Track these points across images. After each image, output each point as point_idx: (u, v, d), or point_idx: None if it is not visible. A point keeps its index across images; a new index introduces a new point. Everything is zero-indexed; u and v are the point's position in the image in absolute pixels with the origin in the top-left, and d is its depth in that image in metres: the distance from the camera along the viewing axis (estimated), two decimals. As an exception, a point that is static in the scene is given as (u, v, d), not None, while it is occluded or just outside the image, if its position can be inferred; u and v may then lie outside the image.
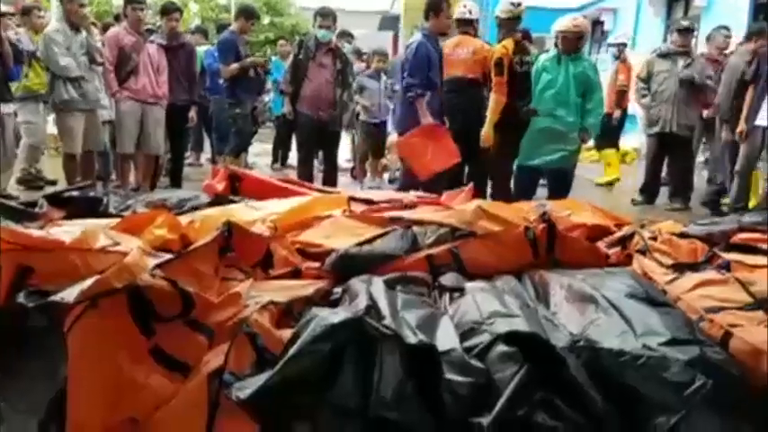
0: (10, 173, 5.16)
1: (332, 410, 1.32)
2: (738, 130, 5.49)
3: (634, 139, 9.42)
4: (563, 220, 2.49)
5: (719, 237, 2.41)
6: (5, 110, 4.87)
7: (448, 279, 1.99)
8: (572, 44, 4.55)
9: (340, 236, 2.20)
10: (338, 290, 1.85)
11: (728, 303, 1.76)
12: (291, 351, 1.35)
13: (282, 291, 1.74)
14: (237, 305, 1.58)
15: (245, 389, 1.31)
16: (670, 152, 5.99)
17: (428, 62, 4.45)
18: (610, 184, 7.14)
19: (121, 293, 1.43)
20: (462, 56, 4.91)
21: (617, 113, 7.08)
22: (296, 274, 1.99)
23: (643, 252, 2.26)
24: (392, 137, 6.09)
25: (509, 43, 4.61)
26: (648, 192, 6.18)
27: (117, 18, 6.38)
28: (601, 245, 2.41)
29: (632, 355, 1.44)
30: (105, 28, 6.03)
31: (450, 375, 1.36)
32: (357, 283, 1.75)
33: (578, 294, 1.82)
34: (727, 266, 2.07)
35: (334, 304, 1.75)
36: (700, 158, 7.04)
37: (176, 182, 5.84)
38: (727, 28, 6.73)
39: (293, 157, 6.41)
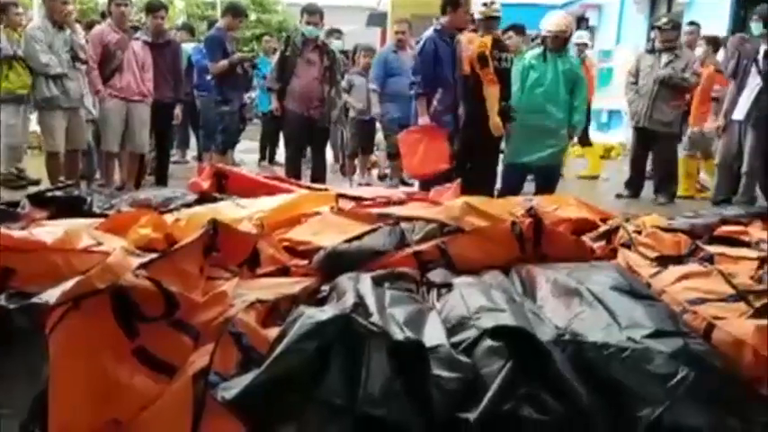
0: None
1: (319, 408, 1.31)
2: (716, 125, 5.57)
3: (620, 134, 9.49)
4: (549, 215, 2.51)
5: (702, 230, 2.44)
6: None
7: (436, 275, 1.99)
8: (560, 43, 4.57)
9: (328, 233, 2.20)
10: (326, 287, 1.85)
11: (711, 295, 1.78)
12: (278, 350, 1.34)
13: (269, 289, 1.73)
14: (223, 304, 1.57)
15: (231, 389, 1.30)
16: (653, 147, 6.04)
17: (435, 59, 4.40)
18: (592, 177, 7.22)
19: (104, 294, 1.42)
20: (468, 53, 4.81)
21: None
22: (283, 272, 1.99)
23: (628, 246, 2.29)
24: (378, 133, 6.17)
25: (487, 40, 4.62)
26: (633, 186, 6.22)
27: (103, 15, 6.31)
28: (586, 239, 2.43)
29: (617, 347, 1.46)
30: (90, 26, 5.96)
31: (437, 371, 1.36)
32: (345, 281, 1.75)
33: (564, 288, 1.83)
34: (710, 259, 2.10)
35: (322, 302, 1.75)
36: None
37: (162, 180, 5.79)
38: (694, 23, 6.79)
39: (281, 155, 6.38)
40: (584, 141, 7.36)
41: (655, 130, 5.88)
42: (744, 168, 5.34)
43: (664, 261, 2.11)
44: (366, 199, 2.75)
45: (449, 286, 1.89)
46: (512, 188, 4.65)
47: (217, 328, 1.50)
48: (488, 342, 1.46)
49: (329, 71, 5.23)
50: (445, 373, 1.36)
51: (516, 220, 2.22)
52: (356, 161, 6.97)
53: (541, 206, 2.59)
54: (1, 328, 1.55)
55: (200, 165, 4.04)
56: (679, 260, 2.11)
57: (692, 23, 6.78)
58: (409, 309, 1.60)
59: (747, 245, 2.27)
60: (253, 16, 17.42)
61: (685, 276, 1.92)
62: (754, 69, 5.23)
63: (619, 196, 6.20)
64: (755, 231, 2.42)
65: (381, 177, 6.96)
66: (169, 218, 2.24)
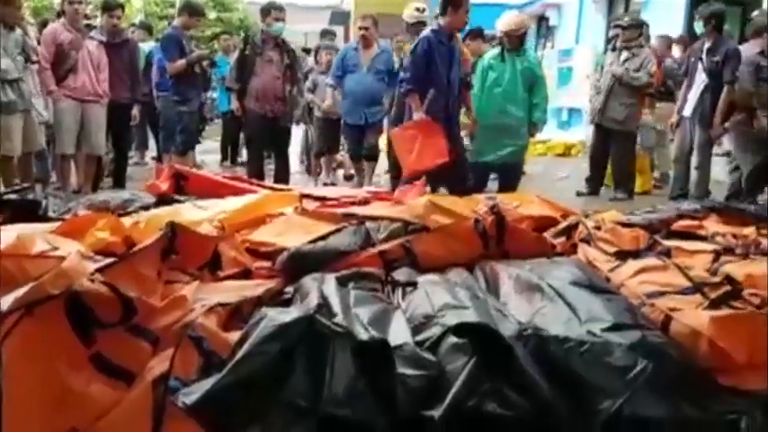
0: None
1: (283, 411, 1.30)
2: (670, 121, 5.76)
3: (580, 133, 9.69)
4: (511, 212, 2.54)
5: (660, 224, 2.50)
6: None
7: (401, 274, 1.99)
8: (516, 42, 4.64)
9: (292, 234, 2.18)
10: (290, 289, 1.83)
11: (668, 288, 1.82)
12: (239, 353, 1.32)
13: (231, 292, 1.71)
14: (183, 309, 1.54)
15: (192, 394, 1.28)
16: (611, 144, 6.18)
17: (430, 59, 4.37)
18: None
19: (58, 300, 1.37)
20: None
21: None
22: (246, 274, 1.96)
23: (587, 241, 2.32)
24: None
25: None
26: (592, 183, 6.36)
27: (60, 15, 6.14)
28: (547, 235, 2.47)
29: (577, 341, 1.48)
30: (44, 24, 5.79)
31: (402, 369, 1.36)
32: (308, 282, 1.74)
33: (526, 284, 1.85)
34: (667, 253, 2.15)
35: (286, 304, 1.73)
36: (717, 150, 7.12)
37: (120, 182, 5.68)
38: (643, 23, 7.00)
39: (245, 155, 6.32)
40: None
41: (610, 128, 6.02)
42: (694, 164, 5.52)
43: (622, 255, 2.15)
44: (330, 199, 2.73)
45: (413, 285, 1.89)
46: (475, 185, 4.70)
47: (176, 333, 1.47)
48: (452, 339, 1.46)
49: (290, 69, 5.20)
50: (410, 371, 1.36)
51: (479, 217, 2.24)
52: (322, 161, 6.94)
53: (504, 204, 2.62)
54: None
55: (158, 166, 3.96)
56: (637, 254, 2.16)
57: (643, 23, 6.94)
58: (374, 308, 1.60)
59: (703, 238, 2.34)
60: (212, 14, 17.18)
61: (643, 270, 1.96)
62: (700, 67, 5.41)
63: (579, 193, 6.33)
64: (711, 225, 2.50)
65: (347, 177, 6.95)
66: (127, 221, 2.18)
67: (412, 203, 2.46)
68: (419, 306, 1.69)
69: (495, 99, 4.67)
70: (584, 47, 10.76)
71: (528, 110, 4.69)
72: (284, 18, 5.18)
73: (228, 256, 1.95)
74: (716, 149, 5.87)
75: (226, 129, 7.74)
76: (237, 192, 2.77)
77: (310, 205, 2.54)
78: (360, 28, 5.99)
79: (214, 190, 2.78)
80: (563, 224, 2.55)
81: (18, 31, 4.83)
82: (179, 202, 2.62)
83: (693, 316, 1.64)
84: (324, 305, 1.48)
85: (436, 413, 1.29)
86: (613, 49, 6.26)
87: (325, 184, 6.32)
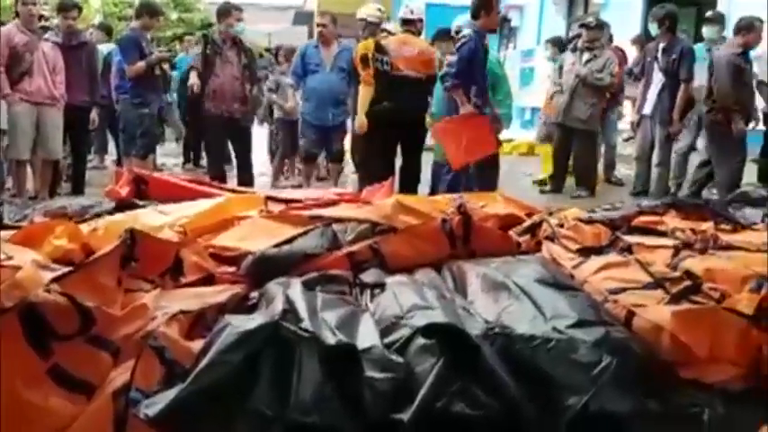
0: None
1: (249, 420, 1.28)
2: (630, 120, 5.90)
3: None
4: (478, 211, 2.55)
5: (621, 221, 2.54)
6: None
7: (369, 275, 1.98)
8: None
9: (256, 237, 2.14)
10: (255, 294, 1.80)
11: (630, 284, 1.86)
12: (203, 362, 1.30)
13: (194, 299, 1.67)
14: (143, 317, 1.50)
15: (155, 405, 1.24)
16: (574, 143, 6.28)
17: (473, 58, 4.52)
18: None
19: (12, 312, 1.33)
20: (408, 54, 5.04)
21: None
22: (209, 280, 1.91)
23: (551, 239, 2.35)
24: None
25: (370, 43, 4.95)
26: (556, 180, 6.46)
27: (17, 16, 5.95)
28: (513, 233, 2.49)
29: (543, 339, 1.49)
30: (-2, 25, 5.59)
31: (370, 373, 1.35)
32: (274, 287, 1.71)
33: (492, 283, 1.86)
34: (628, 249, 2.18)
35: (251, 310, 1.70)
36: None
37: (78, 188, 5.52)
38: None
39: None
40: None
41: (573, 127, 6.13)
42: (655, 161, 5.65)
43: (585, 252, 2.18)
44: (296, 201, 2.70)
45: (382, 286, 1.88)
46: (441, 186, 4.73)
47: (137, 343, 1.43)
48: (420, 340, 1.46)
49: (248, 69, 5.13)
50: (378, 375, 1.35)
51: (446, 217, 2.24)
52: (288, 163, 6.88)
53: (470, 203, 2.63)
54: None
55: (117, 170, 3.87)
56: (599, 251, 2.19)
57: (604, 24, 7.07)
58: (341, 311, 1.58)
59: (663, 234, 2.39)
60: (173, 15, 16.90)
61: (606, 266, 2.00)
62: (656, 66, 5.55)
63: (542, 191, 6.42)
64: (670, 221, 2.56)
65: (321, 179, 6.89)
66: (86, 227, 2.12)
67: (379, 204, 2.45)
68: (387, 308, 1.68)
69: (458, 98, 4.70)
70: (545, 46, 10.91)
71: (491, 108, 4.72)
72: (242, 19, 5.10)
73: (191, 262, 1.90)
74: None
75: (188, 130, 7.60)
76: (200, 195, 2.71)
77: (275, 208, 2.51)
78: (318, 25, 5.82)
79: (175, 194, 2.71)
80: (528, 222, 2.57)
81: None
82: (139, 207, 2.55)
83: (655, 311, 1.67)
84: (290, 310, 1.46)
85: (405, 416, 1.28)
86: (574, 50, 6.36)
87: (293, 187, 6.26)
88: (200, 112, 5.08)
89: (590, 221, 2.50)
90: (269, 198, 2.70)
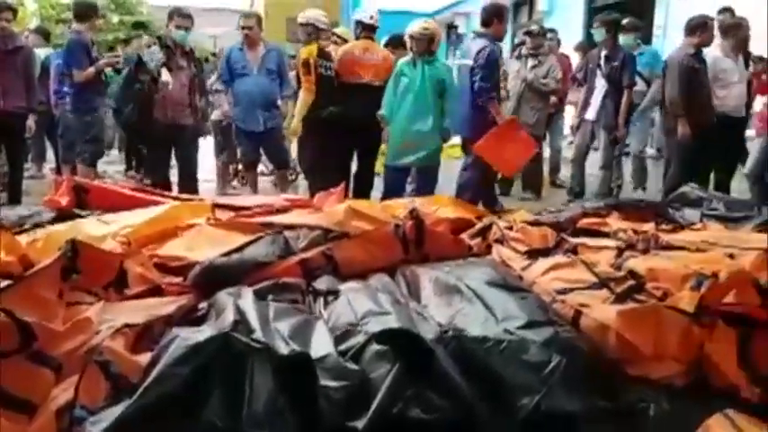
0: None
1: (201, 434, 1.24)
2: (571, 124, 6.06)
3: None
4: (430, 215, 2.58)
5: (566, 223, 2.62)
6: None
7: (322, 282, 1.97)
8: (424, 46, 4.72)
9: (204, 246, 2.10)
10: (204, 305, 1.75)
11: (577, 284, 1.91)
12: (151, 376, 1.26)
13: (139, 311, 1.62)
14: (87, 332, 1.44)
15: (101, 422, 1.20)
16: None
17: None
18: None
19: (-57, 331, 1.26)
20: (373, 61, 5.07)
21: None
22: (155, 291, 1.86)
23: (500, 241, 2.40)
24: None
25: (313, 48, 4.95)
26: (504, 184, 6.58)
27: None
28: (464, 237, 2.52)
29: (495, 340, 1.51)
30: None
31: (325, 381, 1.34)
32: (224, 297, 1.67)
33: (445, 286, 1.88)
34: (574, 250, 2.25)
35: (200, 321, 1.66)
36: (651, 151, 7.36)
37: (15, 197, 5.26)
38: (553, 30, 7.34)
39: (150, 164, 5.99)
40: None
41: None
42: (599, 164, 5.83)
43: (533, 254, 2.23)
44: (245, 208, 2.65)
45: (335, 293, 1.87)
46: (394, 190, 4.74)
47: (81, 358, 1.38)
48: (375, 346, 1.46)
49: (197, 78, 5.00)
50: (332, 383, 1.34)
51: (399, 222, 2.25)
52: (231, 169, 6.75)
53: (423, 208, 2.65)
54: None
55: (56, 179, 3.71)
56: (546, 253, 2.25)
57: (551, 31, 7.28)
58: (294, 320, 1.56)
59: (607, 235, 2.47)
60: (115, 18, 16.43)
61: (553, 268, 2.05)
62: (599, 73, 5.74)
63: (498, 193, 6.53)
64: (613, 222, 2.65)
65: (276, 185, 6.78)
66: (24, 239, 2.03)
67: (331, 210, 2.44)
68: (342, 315, 1.68)
69: (407, 104, 4.74)
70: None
71: (440, 115, 4.78)
72: (187, 26, 4.86)
73: (135, 273, 1.85)
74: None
75: (130, 136, 7.35)
76: (143, 204, 2.63)
77: (223, 215, 2.46)
78: (243, 27, 5.47)
79: (118, 202, 2.63)
80: (478, 225, 2.62)
81: None
82: (80, 216, 2.46)
83: (601, 310, 1.72)
84: (241, 321, 1.43)
85: (360, 424, 1.28)
86: (518, 57, 6.51)
87: (236, 194, 6.13)
88: (149, 118, 4.85)
89: (537, 224, 2.56)
90: (216, 205, 2.65)
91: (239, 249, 2.06)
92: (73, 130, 5.49)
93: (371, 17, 5.28)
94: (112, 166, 7.60)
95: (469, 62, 4.83)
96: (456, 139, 5.46)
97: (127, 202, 2.66)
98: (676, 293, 1.76)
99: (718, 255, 2.08)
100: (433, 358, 1.44)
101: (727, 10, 5.80)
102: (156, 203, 2.65)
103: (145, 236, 2.16)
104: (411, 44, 4.76)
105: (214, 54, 8.51)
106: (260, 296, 1.69)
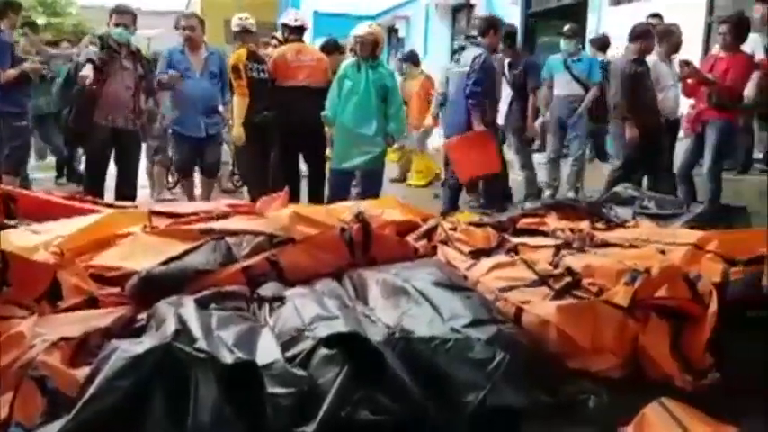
0: None
1: (143, 448, 1.20)
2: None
3: (434, 138, 10.13)
4: (376, 218, 2.58)
5: (508, 223, 2.69)
6: None
7: (267, 289, 1.94)
8: (368, 50, 4.73)
9: (142, 255, 2.03)
10: (143, 316, 1.70)
11: (518, 282, 1.96)
12: (90, 391, 1.21)
13: (75, 324, 1.56)
14: (20, 346, 1.38)
15: (36, 441, 1.14)
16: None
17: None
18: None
19: None
20: (307, 63, 5.10)
21: None
22: (91, 303, 1.79)
23: (445, 242, 2.44)
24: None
25: (243, 52, 5.05)
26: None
27: None
28: (410, 239, 2.54)
29: (441, 339, 1.53)
30: None
31: (272, 389, 1.33)
32: (164, 307, 1.63)
33: (392, 288, 1.89)
34: (514, 249, 2.31)
35: (140, 332, 1.61)
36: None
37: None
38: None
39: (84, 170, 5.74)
40: None
41: None
42: (517, 166, 6.05)
43: (476, 254, 2.28)
44: (185, 215, 2.59)
45: (281, 299, 1.85)
46: (339, 194, 4.73)
47: (15, 374, 1.32)
48: (323, 351, 1.45)
49: (144, 80, 4.79)
50: (280, 390, 1.32)
51: (345, 226, 2.25)
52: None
53: (368, 210, 2.66)
54: None
55: (-19, 188, 3.51)
56: (489, 252, 2.30)
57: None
58: (239, 328, 1.53)
59: (545, 234, 2.55)
60: (41, 20, 15.72)
61: (495, 267, 2.10)
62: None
63: (436, 196, 6.62)
64: (552, 222, 2.74)
65: (227, 191, 6.64)
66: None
67: (275, 215, 2.42)
68: (288, 320, 1.66)
69: (350, 108, 4.74)
70: (432, 58, 11.28)
71: (383, 119, 4.80)
72: (127, 24, 4.61)
73: (70, 285, 1.77)
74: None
75: (68, 140, 7.01)
76: (76, 212, 2.53)
77: (161, 223, 2.39)
78: (184, 28, 5.26)
79: (49, 211, 2.51)
80: (423, 227, 2.65)
81: None
82: (9, 226, 2.34)
83: (541, 307, 1.78)
84: (182, 330, 1.39)
85: (309, 429, 1.27)
86: (457, 62, 6.63)
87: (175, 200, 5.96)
88: (88, 120, 4.59)
89: (480, 225, 2.62)
90: (154, 213, 2.57)
91: (179, 257, 2.00)
92: (5, 136, 5.20)
93: (296, 19, 5.29)
94: (42, 173, 7.27)
95: (465, 70, 5.08)
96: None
97: (58, 210, 2.54)
98: (611, 288, 1.83)
99: (650, 251, 2.18)
100: (382, 360, 1.44)
101: (656, 16, 6.11)
102: (89, 212, 2.55)
103: (79, 245, 2.07)
104: (355, 47, 4.76)
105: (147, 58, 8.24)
106: (202, 305, 1.65)
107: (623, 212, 2.95)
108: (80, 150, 6.24)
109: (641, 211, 2.98)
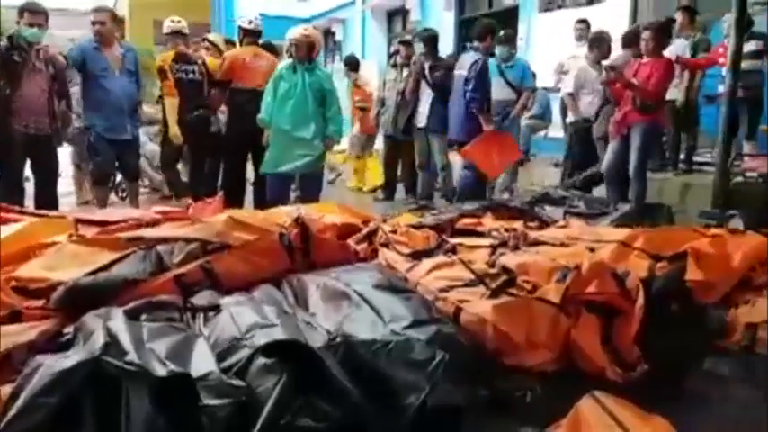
0: None
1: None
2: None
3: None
4: (316, 222, 2.56)
5: (446, 224, 2.73)
6: None
7: (201, 298, 1.88)
8: (304, 52, 4.70)
9: (67, 265, 1.94)
10: (69, 329, 1.62)
11: (456, 282, 2.00)
12: (14, 409, 1.16)
13: (-5, 340, 1.47)
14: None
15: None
16: (400, 154, 6.61)
17: (487, 77, 5.31)
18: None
19: None
20: (263, 68, 5.17)
21: None
22: (14, 317, 1.70)
23: (386, 245, 2.45)
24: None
25: (170, 54, 5.29)
26: (387, 189, 6.73)
27: None
28: (351, 242, 2.54)
29: (382, 342, 1.54)
30: None
31: (207, 400, 1.29)
32: (91, 319, 1.55)
33: (332, 292, 1.88)
34: (453, 250, 2.35)
35: (67, 346, 1.53)
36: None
37: None
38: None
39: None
40: None
41: (400, 139, 6.45)
42: (439, 166, 6.15)
43: (417, 256, 2.31)
44: (112, 223, 2.49)
45: (216, 308, 1.80)
46: (278, 198, 4.66)
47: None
48: (262, 360, 1.43)
49: (56, 81, 4.57)
50: (215, 401, 1.28)
51: (284, 230, 2.22)
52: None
53: (308, 214, 2.64)
54: None
55: None
56: (429, 254, 2.33)
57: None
58: (172, 339, 1.48)
59: (482, 234, 2.60)
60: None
61: (435, 267, 2.13)
62: (424, 83, 6.07)
63: (376, 199, 6.65)
64: (488, 222, 2.80)
65: (169, 197, 6.39)
66: None
67: (210, 221, 2.35)
68: (224, 330, 1.62)
69: (286, 110, 4.68)
70: (370, 62, 11.32)
71: (321, 122, 4.77)
72: (41, 24, 4.36)
73: (-10, 299, 1.67)
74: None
75: None
76: (-2, 222, 2.39)
77: (88, 232, 2.29)
78: (94, 23, 4.86)
79: (-35, 222, 2.37)
80: (364, 230, 2.65)
81: None
82: None
83: (478, 305, 1.81)
84: (112, 343, 1.33)
85: (247, 439, 1.24)
86: (394, 66, 6.68)
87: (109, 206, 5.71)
88: (2, 126, 4.31)
89: (420, 227, 2.64)
90: (79, 221, 2.46)
91: (106, 267, 1.93)
92: None
93: (250, 22, 5.27)
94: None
95: (463, 72, 5.29)
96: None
97: (-24, 221, 2.40)
98: (544, 286, 1.89)
99: (580, 249, 2.27)
100: (323, 366, 1.43)
101: (582, 22, 6.37)
102: (9, 221, 2.42)
103: (0, 256, 1.95)
104: (291, 49, 4.72)
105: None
106: (132, 316, 1.59)
107: (554, 212, 3.05)
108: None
109: (571, 210, 3.09)
